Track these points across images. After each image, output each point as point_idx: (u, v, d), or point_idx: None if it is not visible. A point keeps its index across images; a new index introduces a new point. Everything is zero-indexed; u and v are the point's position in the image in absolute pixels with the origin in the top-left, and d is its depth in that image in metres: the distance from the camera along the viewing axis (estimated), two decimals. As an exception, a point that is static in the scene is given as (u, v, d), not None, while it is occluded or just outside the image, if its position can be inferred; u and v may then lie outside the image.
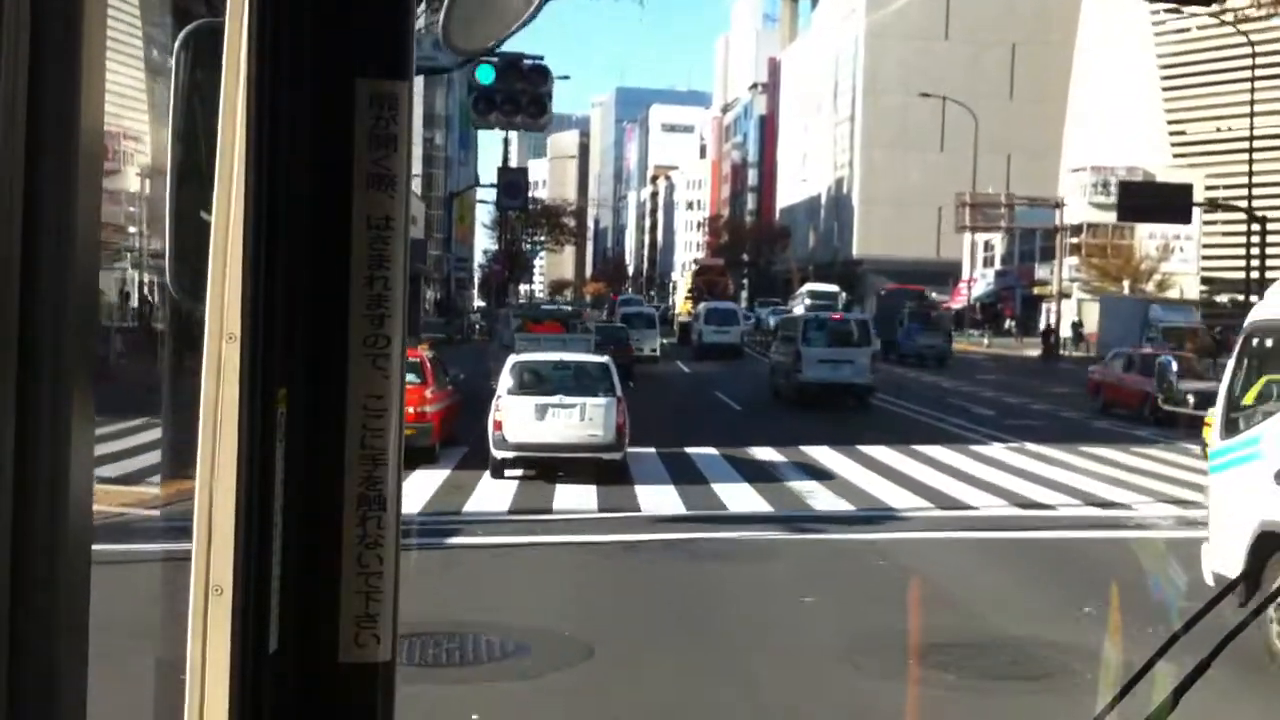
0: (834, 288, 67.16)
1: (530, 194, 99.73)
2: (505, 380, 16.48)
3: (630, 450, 16.71)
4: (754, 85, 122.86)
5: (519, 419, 15.84)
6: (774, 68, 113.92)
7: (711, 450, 19.24)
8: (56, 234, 0.98)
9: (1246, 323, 8.69)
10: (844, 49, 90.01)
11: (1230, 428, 8.35)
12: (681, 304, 70.08)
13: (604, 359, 18.09)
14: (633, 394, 19.78)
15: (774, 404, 29.19)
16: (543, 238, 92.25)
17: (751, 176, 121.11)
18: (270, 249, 1.11)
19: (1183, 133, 70.87)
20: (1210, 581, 8.07)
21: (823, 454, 19.25)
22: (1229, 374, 8.64)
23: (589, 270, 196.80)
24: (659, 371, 38.47)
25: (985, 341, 54.49)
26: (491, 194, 61.16)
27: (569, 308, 46.72)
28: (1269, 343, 8.25)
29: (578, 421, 15.99)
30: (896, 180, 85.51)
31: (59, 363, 0.99)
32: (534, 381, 16.71)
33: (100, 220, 1.06)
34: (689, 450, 18.97)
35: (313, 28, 1.13)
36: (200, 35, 1.20)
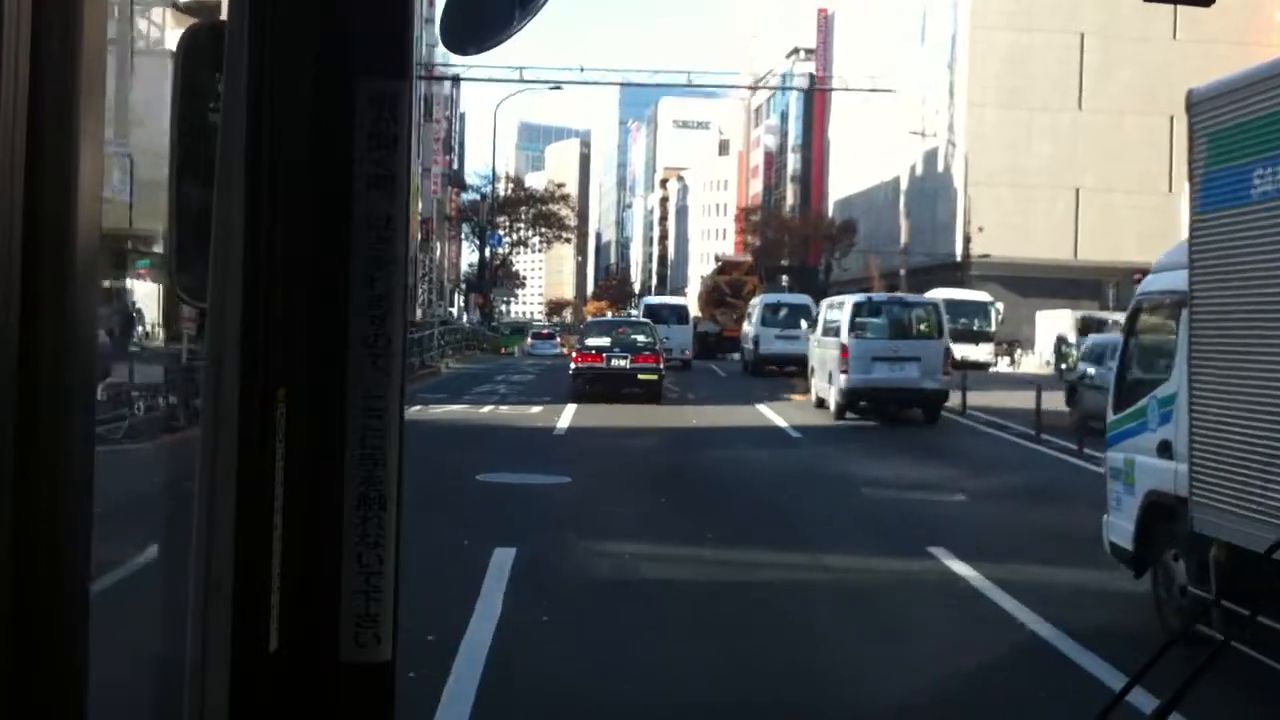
0: (984, 296, 43.25)
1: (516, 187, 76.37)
2: None
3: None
4: (794, 51, 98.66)
5: None
6: (824, 22, 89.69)
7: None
8: (57, 233, 0.99)
9: (1134, 298, 9.00)
10: (935, -25, 65.61)
11: (1121, 402, 8.74)
12: (699, 308, 52.89)
13: None
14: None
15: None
16: (525, 229, 67.56)
17: (792, 163, 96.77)
18: (270, 249, 1.11)
19: None
20: (1108, 551, 8.53)
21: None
22: (1121, 350, 9.02)
23: (590, 288, 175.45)
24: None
25: None
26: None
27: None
28: (1155, 316, 8.61)
29: None
30: (1015, 152, 61.15)
31: (59, 360, 0.99)
32: None
33: (100, 218, 1.06)
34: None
35: (313, 28, 1.13)
36: (200, 35, 1.20)
